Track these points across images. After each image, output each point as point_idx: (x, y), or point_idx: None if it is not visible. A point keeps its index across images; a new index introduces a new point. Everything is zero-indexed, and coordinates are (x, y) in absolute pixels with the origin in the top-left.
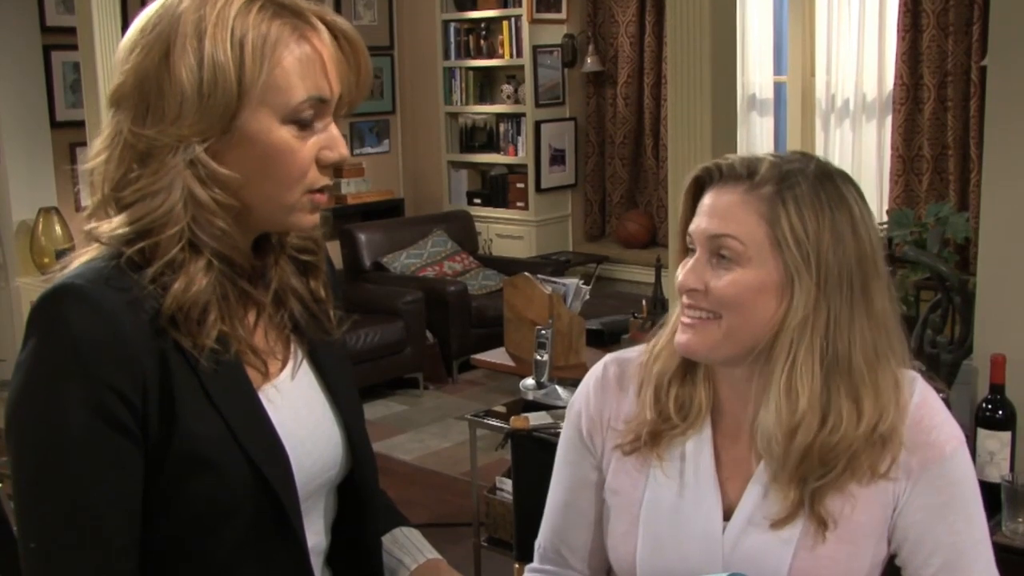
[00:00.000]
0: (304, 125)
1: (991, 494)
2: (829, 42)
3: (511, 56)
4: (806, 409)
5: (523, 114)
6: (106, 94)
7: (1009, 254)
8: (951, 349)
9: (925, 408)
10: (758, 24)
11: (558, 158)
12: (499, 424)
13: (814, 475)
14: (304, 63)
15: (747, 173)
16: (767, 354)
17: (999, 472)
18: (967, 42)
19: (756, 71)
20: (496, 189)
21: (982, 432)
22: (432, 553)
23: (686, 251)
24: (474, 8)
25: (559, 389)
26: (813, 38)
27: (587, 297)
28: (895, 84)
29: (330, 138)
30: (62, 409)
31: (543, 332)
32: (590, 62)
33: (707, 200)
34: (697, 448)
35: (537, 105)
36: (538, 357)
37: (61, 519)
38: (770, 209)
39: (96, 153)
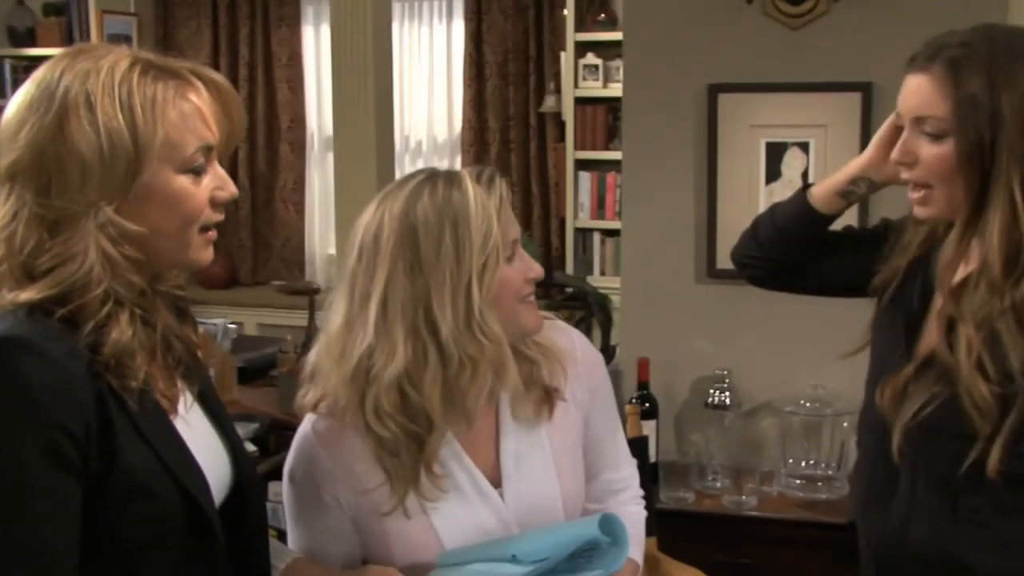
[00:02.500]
0: (197, 172)
1: (648, 472)
2: (402, 88)
3: None
4: None
5: None
6: None
7: (647, 274)
8: None
9: (591, 349)
10: (328, 67)
11: None
12: None
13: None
14: (189, 117)
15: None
16: None
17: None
18: (526, 91)
19: (330, 112)
20: None
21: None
22: (293, 555)
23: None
24: (33, 45)
25: None
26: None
27: (235, 336)
28: (463, 127)
29: (220, 179)
30: (14, 451)
31: None
32: None
33: None
34: (447, 451)
35: None
36: None
37: (13, 554)
38: None
39: None
